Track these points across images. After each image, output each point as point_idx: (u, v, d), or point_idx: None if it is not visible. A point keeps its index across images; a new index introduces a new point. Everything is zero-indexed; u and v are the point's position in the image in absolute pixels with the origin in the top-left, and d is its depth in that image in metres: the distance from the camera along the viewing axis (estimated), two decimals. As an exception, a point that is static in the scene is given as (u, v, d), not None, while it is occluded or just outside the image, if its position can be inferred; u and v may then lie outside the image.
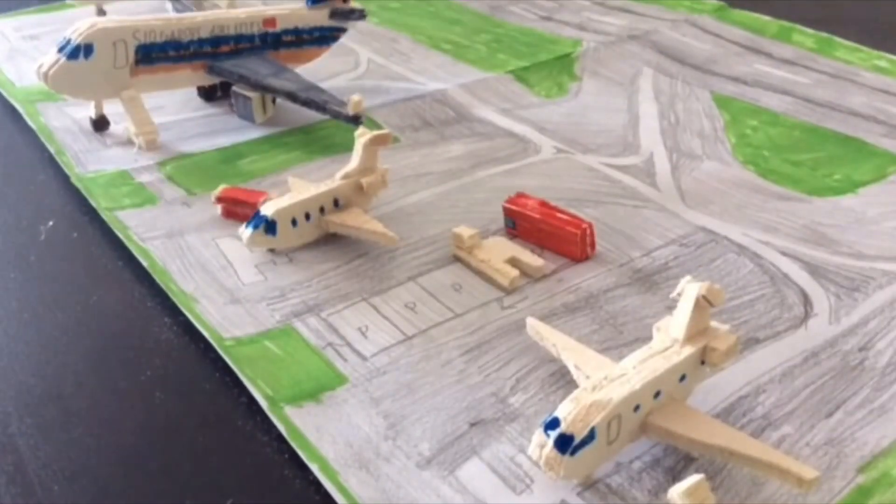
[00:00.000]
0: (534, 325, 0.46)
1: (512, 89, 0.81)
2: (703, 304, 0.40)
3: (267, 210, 0.54)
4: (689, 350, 0.40)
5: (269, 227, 0.54)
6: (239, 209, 0.58)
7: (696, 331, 0.40)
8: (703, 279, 0.40)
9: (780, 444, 0.41)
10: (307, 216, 0.55)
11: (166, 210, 0.61)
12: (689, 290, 0.40)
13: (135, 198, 0.62)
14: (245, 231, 0.54)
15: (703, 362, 0.40)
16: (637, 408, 0.38)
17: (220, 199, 0.59)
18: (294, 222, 0.54)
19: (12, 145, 0.72)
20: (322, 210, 0.56)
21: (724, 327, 0.41)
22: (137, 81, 0.69)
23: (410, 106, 0.77)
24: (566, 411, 0.36)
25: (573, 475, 0.37)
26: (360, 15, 0.79)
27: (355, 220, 0.55)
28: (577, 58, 0.88)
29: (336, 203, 0.56)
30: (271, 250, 0.55)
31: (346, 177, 0.57)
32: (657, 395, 0.39)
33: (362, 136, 0.57)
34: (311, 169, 0.66)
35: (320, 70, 0.79)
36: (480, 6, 1.04)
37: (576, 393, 0.37)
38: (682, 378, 0.40)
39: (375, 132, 0.57)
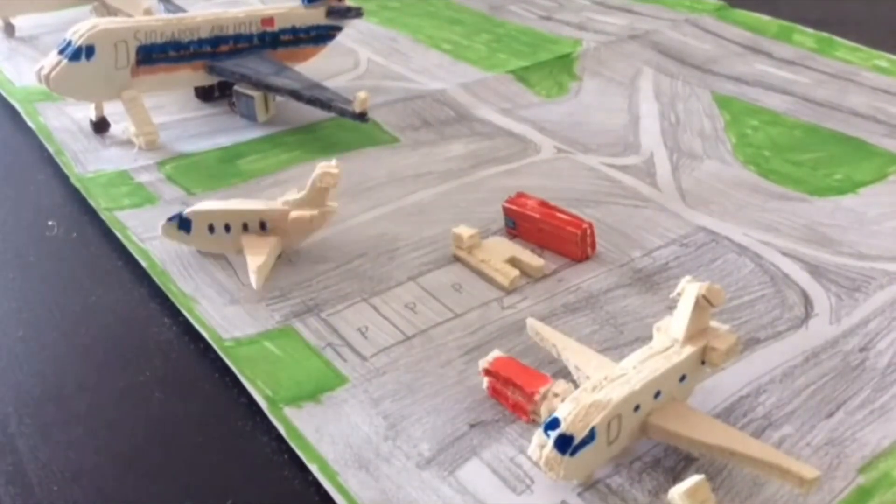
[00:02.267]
0: (534, 326, 0.46)
1: (512, 89, 0.81)
2: (704, 303, 0.39)
3: (189, 208, 0.54)
4: (689, 350, 0.39)
5: (183, 223, 0.53)
6: (509, 393, 0.42)
7: (697, 331, 0.40)
8: (704, 279, 0.40)
9: (780, 445, 0.41)
10: (227, 227, 0.53)
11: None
12: (689, 290, 0.40)
13: (134, 198, 0.62)
14: (162, 221, 0.54)
15: (703, 362, 0.40)
16: (637, 408, 0.38)
17: (488, 373, 0.43)
18: (211, 228, 0.53)
19: (11, 145, 0.72)
20: (245, 227, 0.53)
21: (725, 327, 0.41)
22: (138, 82, 0.69)
23: (410, 106, 0.77)
24: (566, 411, 0.36)
25: (573, 475, 0.37)
26: (357, 13, 0.80)
27: (261, 250, 0.52)
28: (578, 57, 0.88)
29: (262, 226, 0.53)
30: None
31: (287, 203, 0.54)
32: (657, 395, 0.38)
33: (321, 168, 0.53)
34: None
35: (320, 70, 0.78)
36: (480, 6, 1.04)
37: (576, 393, 0.37)
38: (683, 378, 0.40)
39: (323, 167, 0.53)
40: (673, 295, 0.41)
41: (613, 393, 0.37)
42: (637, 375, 0.38)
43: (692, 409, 0.40)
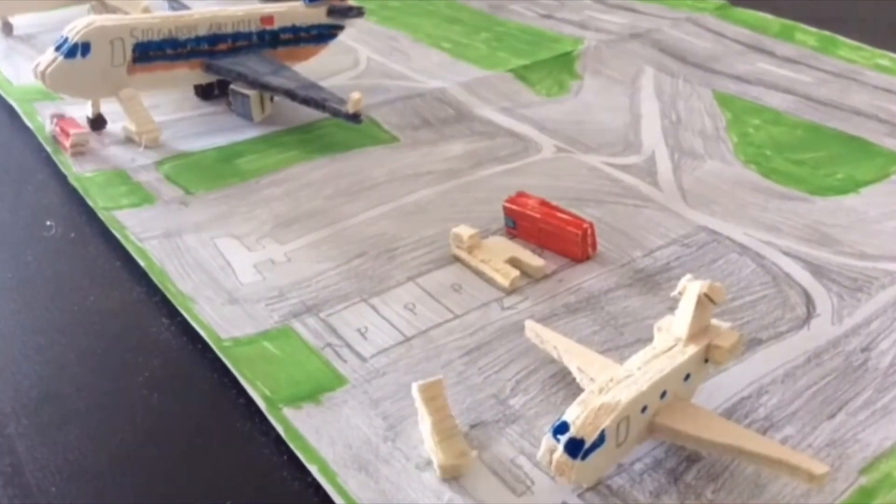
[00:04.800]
0: (533, 328, 0.46)
1: (512, 88, 0.81)
2: (705, 301, 0.39)
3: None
4: (693, 349, 0.39)
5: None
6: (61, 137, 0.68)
7: (699, 329, 0.40)
8: (705, 279, 0.40)
9: (782, 446, 0.40)
10: None
11: (164, 210, 0.61)
12: (690, 288, 0.40)
13: (132, 197, 0.62)
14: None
15: (706, 360, 0.40)
16: (644, 409, 0.37)
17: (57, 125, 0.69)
18: None
19: (10, 145, 0.72)
20: None
21: (726, 325, 0.41)
22: (135, 80, 0.69)
23: (410, 105, 0.77)
24: (575, 415, 0.36)
25: (584, 479, 0.36)
26: (358, 12, 0.79)
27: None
28: (578, 56, 0.87)
29: None
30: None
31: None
32: (663, 395, 0.38)
33: None
34: (308, 168, 0.66)
35: (320, 69, 0.78)
36: (481, 4, 1.04)
37: (583, 396, 0.37)
38: (687, 377, 0.39)
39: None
40: (674, 294, 0.41)
41: (621, 394, 0.37)
42: (643, 376, 0.38)
43: (698, 408, 0.40)
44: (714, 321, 0.41)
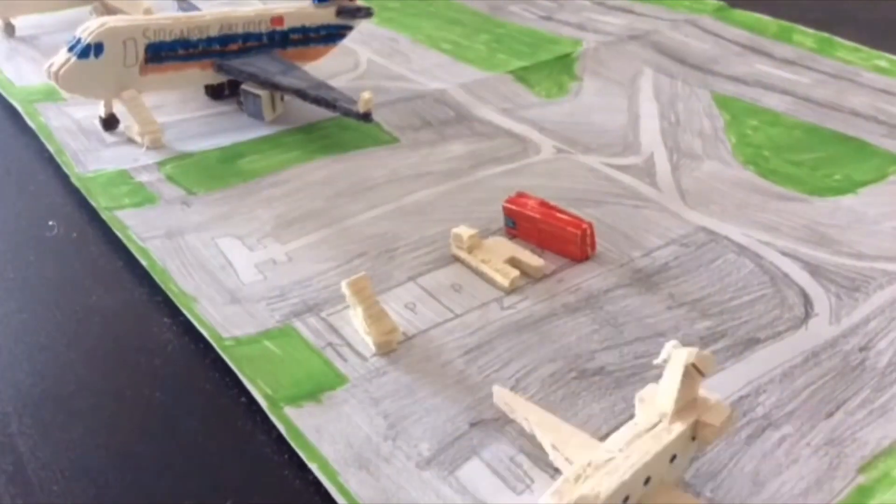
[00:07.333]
0: (502, 396, 0.41)
1: (512, 89, 0.81)
2: (693, 372, 0.35)
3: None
4: (679, 427, 0.35)
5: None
6: None
7: (686, 402, 0.36)
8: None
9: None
10: None
11: (166, 210, 0.61)
12: (676, 356, 0.35)
13: (134, 197, 0.62)
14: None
15: (693, 438, 0.36)
16: (626, 499, 0.34)
17: None
18: None
19: (12, 145, 0.72)
20: None
21: (715, 397, 0.37)
22: (147, 80, 0.69)
23: (410, 106, 0.77)
24: None
25: None
26: (367, 13, 0.80)
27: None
28: (578, 58, 0.88)
29: None
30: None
31: None
32: (647, 481, 0.34)
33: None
34: (310, 168, 0.66)
35: (321, 70, 0.78)
36: (480, 6, 1.04)
37: (558, 484, 0.33)
38: (673, 458, 0.36)
39: None
40: (657, 362, 0.36)
41: (602, 485, 0.33)
42: (625, 462, 0.34)
43: (684, 496, 0.37)
44: (702, 392, 0.36)
